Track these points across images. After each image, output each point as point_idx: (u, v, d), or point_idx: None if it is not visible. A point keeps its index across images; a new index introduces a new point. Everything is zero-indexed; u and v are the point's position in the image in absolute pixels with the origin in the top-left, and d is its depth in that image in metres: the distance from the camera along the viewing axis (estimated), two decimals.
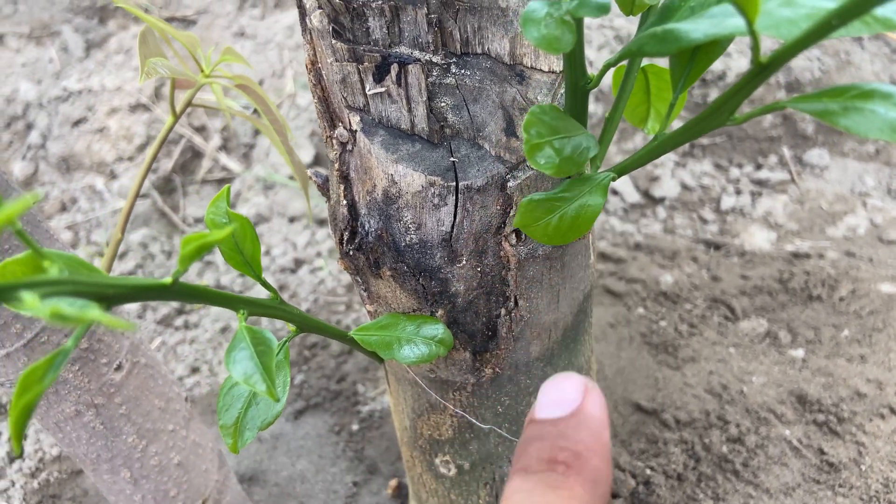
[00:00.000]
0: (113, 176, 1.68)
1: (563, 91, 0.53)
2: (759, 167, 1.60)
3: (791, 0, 0.34)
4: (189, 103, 0.81)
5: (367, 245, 0.58)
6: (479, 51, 0.53)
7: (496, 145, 0.53)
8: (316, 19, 0.52)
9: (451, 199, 0.53)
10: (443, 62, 0.53)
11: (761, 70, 0.32)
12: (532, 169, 0.53)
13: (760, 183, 1.57)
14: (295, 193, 1.61)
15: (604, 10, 0.38)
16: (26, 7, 1.80)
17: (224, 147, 1.71)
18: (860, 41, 1.54)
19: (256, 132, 1.69)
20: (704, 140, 1.61)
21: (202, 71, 0.80)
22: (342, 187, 0.58)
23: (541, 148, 0.43)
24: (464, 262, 0.56)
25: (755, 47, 0.31)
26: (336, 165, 0.58)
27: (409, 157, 0.53)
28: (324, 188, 0.64)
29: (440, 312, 0.59)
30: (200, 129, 1.72)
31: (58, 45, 1.77)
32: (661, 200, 1.54)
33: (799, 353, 1.14)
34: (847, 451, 0.98)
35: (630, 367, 1.14)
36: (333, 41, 0.51)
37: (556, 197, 0.48)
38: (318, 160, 1.65)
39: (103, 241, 1.59)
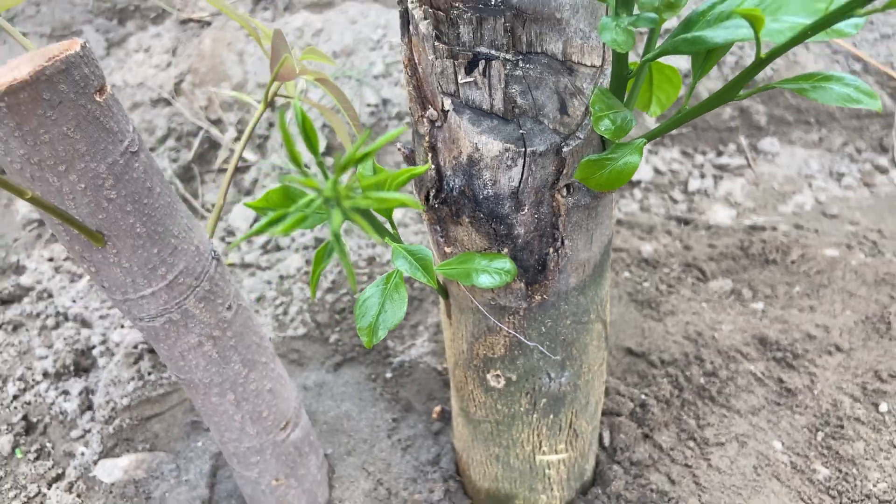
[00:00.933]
0: None
1: (601, 80, 0.72)
2: (720, 154, 1.82)
3: (777, 17, 0.53)
4: (275, 94, 0.98)
5: (452, 199, 0.76)
6: (539, 50, 0.72)
7: (553, 121, 0.72)
8: (423, 27, 0.70)
9: (520, 161, 0.72)
10: (513, 59, 0.71)
11: (761, 62, 0.52)
12: (579, 139, 0.72)
13: (721, 167, 1.79)
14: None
15: (653, 22, 0.57)
16: (48, 9, 1.92)
17: (239, 138, 1.86)
18: (807, 44, 1.78)
19: (270, 124, 1.85)
20: (673, 131, 1.83)
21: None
22: (430, 155, 0.76)
23: (602, 119, 0.62)
24: (525, 210, 0.75)
25: (758, 47, 0.51)
26: (426, 138, 0.76)
27: (489, 129, 0.71)
28: (410, 157, 0.82)
29: (505, 250, 0.78)
30: (217, 122, 1.87)
31: None
32: (637, 183, 1.75)
33: (759, 305, 1.36)
34: (802, 380, 1.19)
35: (620, 320, 1.34)
36: (436, 43, 0.70)
37: (606, 157, 0.67)
38: (328, 148, 1.82)
39: None
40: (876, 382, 1.17)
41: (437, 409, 1.16)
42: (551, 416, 0.94)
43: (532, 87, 0.72)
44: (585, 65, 0.72)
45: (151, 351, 1.38)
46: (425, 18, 0.70)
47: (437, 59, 0.70)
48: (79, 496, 1.17)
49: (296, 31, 1.87)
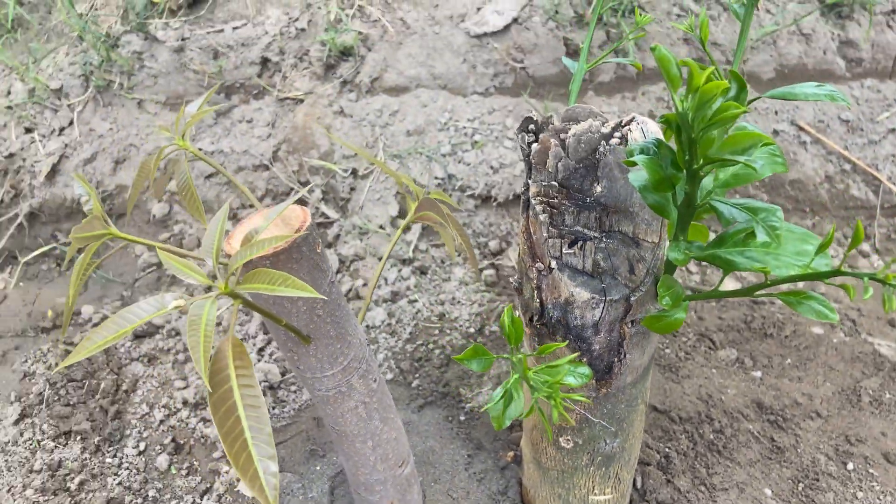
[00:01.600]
0: (238, 219, 2.16)
1: (658, 251, 1.06)
2: None
3: (778, 256, 0.87)
4: (411, 223, 1.32)
5: (550, 324, 1.10)
6: (616, 230, 1.06)
7: (624, 279, 1.06)
8: (542, 216, 1.04)
9: (601, 305, 1.06)
10: (598, 236, 1.05)
11: (769, 284, 0.86)
12: (641, 291, 1.06)
13: None
14: (384, 238, 2.11)
15: (700, 249, 0.91)
16: (164, 81, 2.25)
17: (324, 199, 2.20)
18: (805, 145, 2.11)
19: (352, 188, 2.19)
20: None
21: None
22: (535, 292, 1.11)
23: (664, 296, 0.96)
24: (602, 335, 1.09)
25: (766, 278, 0.85)
26: (534, 281, 1.10)
27: (582, 283, 1.05)
28: (518, 289, 1.16)
29: (584, 359, 1.12)
30: (305, 184, 2.21)
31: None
32: None
33: (758, 373, 1.70)
34: (789, 439, 1.54)
35: None
36: (550, 228, 1.04)
37: (663, 314, 1.01)
38: (400, 213, 2.15)
39: None
40: (846, 445, 1.52)
41: (511, 454, 1.50)
42: (603, 469, 1.28)
43: (611, 255, 1.05)
44: (648, 241, 1.05)
45: (271, 388, 1.72)
46: (543, 212, 1.04)
47: (549, 237, 1.04)
48: None
49: (376, 112, 2.21)
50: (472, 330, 1.83)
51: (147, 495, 1.54)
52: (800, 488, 1.45)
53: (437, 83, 2.23)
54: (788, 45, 2.12)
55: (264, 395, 1.71)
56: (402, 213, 2.17)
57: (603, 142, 1.00)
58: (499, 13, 2.13)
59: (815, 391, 1.64)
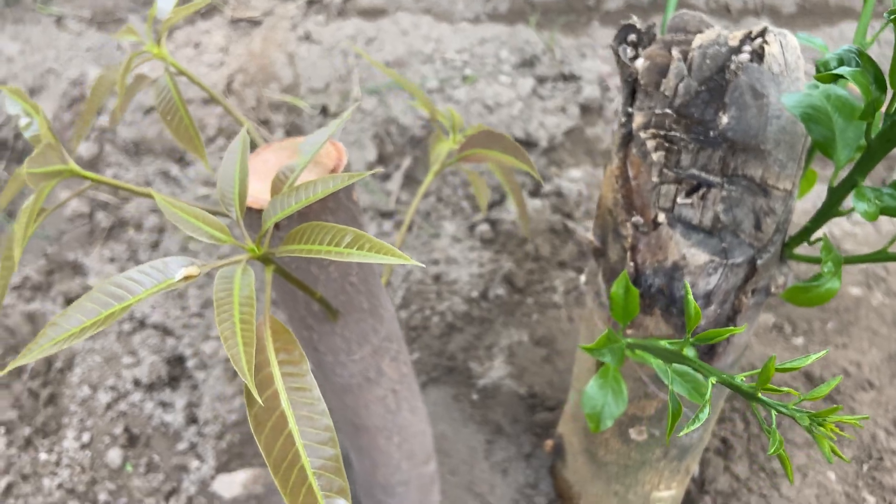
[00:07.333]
0: (186, 163, 1.83)
1: (791, 203, 0.84)
2: None
3: None
4: (450, 164, 1.05)
5: (648, 294, 0.87)
6: (741, 174, 0.82)
7: (748, 236, 0.83)
8: (654, 154, 0.79)
9: (720, 270, 0.83)
10: (721, 181, 0.82)
11: None
12: (770, 252, 0.83)
13: None
14: (360, 187, 1.82)
15: (891, 195, 0.69)
16: None
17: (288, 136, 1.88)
18: None
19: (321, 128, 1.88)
20: None
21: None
22: (629, 254, 0.87)
23: (827, 260, 0.74)
24: (713, 307, 0.87)
25: None
26: (628, 240, 0.86)
27: (698, 243, 0.82)
28: (600, 250, 0.91)
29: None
30: (265, 123, 1.89)
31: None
32: None
33: (799, 340, 1.53)
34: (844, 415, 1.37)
35: None
36: (664, 171, 0.79)
37: (811, 284, 0.79)
38: (380, 159, 1.87)
39: None
40: None
41: (550, 443, 1.27)
42: (675, 462, 1.07)
43: (733, 205, 0.82)
44: (779, 188, 0.83)
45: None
46: (657, 149, 0.79)
47: (661, 182, 0.80)
48: None
49: (348, 39, 1.90)
50: (474, 294, 1.58)
51: (97, 499, 1.25)
52: (864, 469, 1.29)
53: (420, 6, 1.93)
54: None
55: (237, 374, 1.42)
56: (380, 159, 1.88)
57: (733, 57, 0.76)
58: None
59: (863, 358, 1.48)
